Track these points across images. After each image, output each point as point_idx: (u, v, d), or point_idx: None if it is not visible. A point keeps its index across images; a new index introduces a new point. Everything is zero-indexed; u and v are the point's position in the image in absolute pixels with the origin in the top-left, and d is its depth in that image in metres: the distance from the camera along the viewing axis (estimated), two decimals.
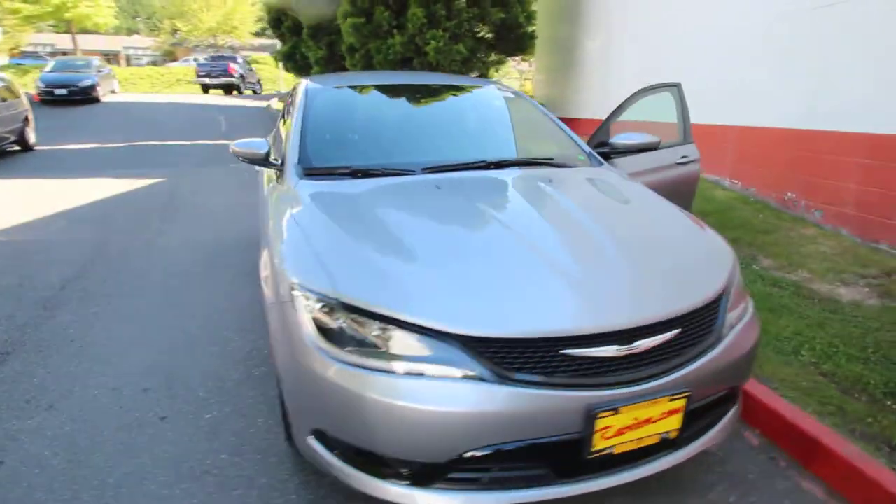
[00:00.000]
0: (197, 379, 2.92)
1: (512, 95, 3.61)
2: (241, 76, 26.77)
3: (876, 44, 4.82)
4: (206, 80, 25.90)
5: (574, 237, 2.08)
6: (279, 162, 2.71)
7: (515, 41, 11.66)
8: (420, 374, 1.60)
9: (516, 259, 1.94)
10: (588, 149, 3.06)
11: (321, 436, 1.79)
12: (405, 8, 10.63)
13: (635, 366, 1.66)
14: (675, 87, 3.93)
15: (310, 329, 1.72)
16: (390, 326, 1.63)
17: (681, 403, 1.70)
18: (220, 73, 25.91)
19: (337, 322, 1.68)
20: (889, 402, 2.65)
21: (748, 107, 6.50)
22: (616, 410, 1.62)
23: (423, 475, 1.65)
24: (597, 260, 1.92)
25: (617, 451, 1.67)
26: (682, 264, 1.98)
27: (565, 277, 1.83)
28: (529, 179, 2.63)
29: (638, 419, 1.65)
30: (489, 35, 11.11)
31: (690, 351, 1.75)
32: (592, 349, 1.62)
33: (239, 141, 2.81)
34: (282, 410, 2.06)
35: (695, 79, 5.90)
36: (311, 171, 2.57)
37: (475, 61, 11.32)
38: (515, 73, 16.14)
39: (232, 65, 26.31)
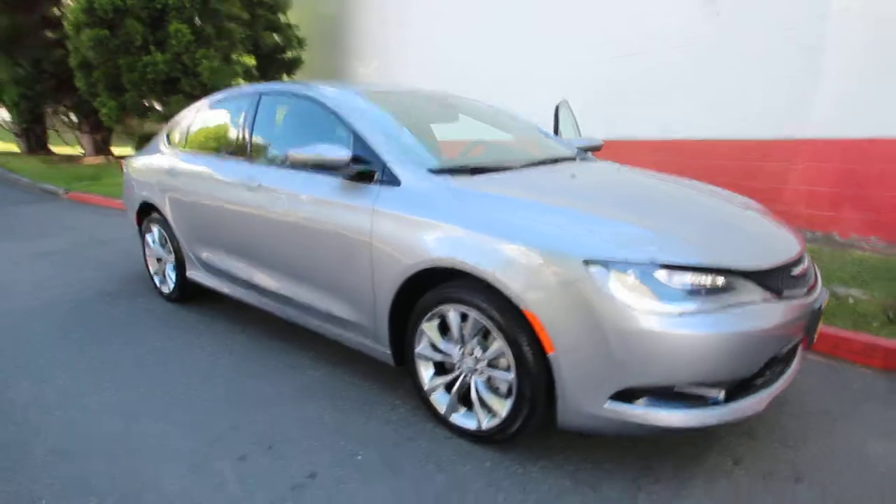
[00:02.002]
0: None
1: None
2: None
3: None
4: None
5: (707, 198, 2.49)
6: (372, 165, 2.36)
7: (286, 65, 11.42)
8: (737, 305, 1.81)
9: (707, 214, 2.24)
10: (577, 148, 3.48)
11: (621, 395, 1.79)
12: (162, 22, 9.34)
13: (805, 282, 2.18)
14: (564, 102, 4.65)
15: (626, 295, 1.73)
16: (703, 274, 1.79)
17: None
18: None
19: (654, 281, 1.75)
20: None
21: None
22: (822, 311, 2.12)
23: (734, 391, 1.85)
24: (746, 213, 2.37)
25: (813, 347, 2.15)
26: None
27: (750, 224, 2.26)
28: (608, 165, 2.96)
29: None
30: (252, 60, 10.57)
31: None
32: (797, 269, 2.09)
33: (306, 147, 2.36)
34: (520, 402, 1.93)
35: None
36: (437, 171, 2.32)
37: (250, 81, 10.66)
38: None
39: None
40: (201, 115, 3.57)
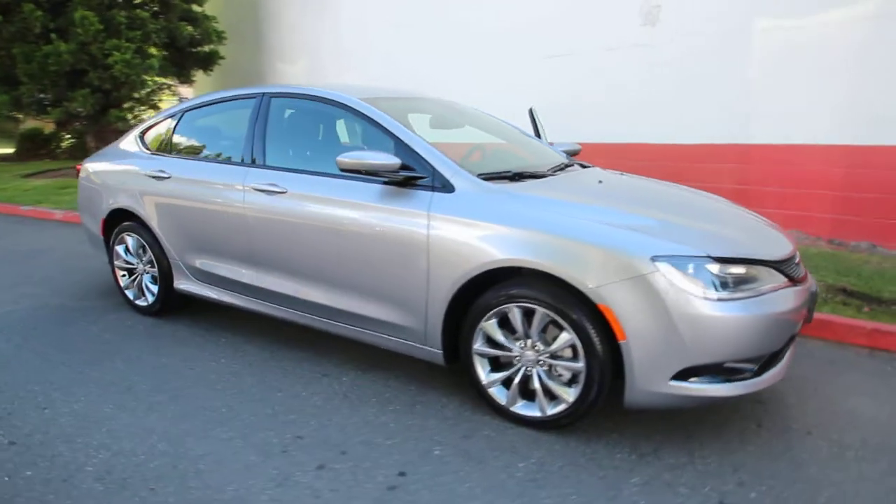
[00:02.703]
0: None
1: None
2: None
3: None
4: None
5: (716, 202, 2.81)
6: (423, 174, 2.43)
7: (201, 60, 10.77)
8: (769, 291, 2.11)
9: (726, 216, 2.58)
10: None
11: (681, 374, 2.03)
12: (64, 8, 8.46)
13: (802, 270, 2.53)
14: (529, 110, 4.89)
15: (687, 285, 1.97)
16: (744, 265, 2.08)
17: None
18: None
19: (707, 273, 2.01)
20: None
21: None
22: (817, 294, 2.52)
23: (764, 365, 2.16)
24: (748, 214, 2.71)
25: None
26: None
27: (755, 222, 2.60)
28: (611, 172, 3.19)
29: None
30: (164, 52, 9.85)
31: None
32: (796, 259, 2.46)
33: (350, 153, 2.38)
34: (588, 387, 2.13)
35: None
36: (486, 177, 2.44)
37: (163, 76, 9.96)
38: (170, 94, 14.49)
39: None
40: (189, 119, 3.38)
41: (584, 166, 3.27)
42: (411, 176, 2.43)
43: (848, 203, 4.89)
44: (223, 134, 3.22)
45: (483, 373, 2.38)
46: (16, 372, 2.82)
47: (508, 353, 2.32)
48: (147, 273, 3.53)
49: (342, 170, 2.45)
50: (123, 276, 3.67)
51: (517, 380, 2.31)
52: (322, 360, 2.94)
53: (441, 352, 2.46)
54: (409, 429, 2.32)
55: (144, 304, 3.57)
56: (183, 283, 3.35)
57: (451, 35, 7.45)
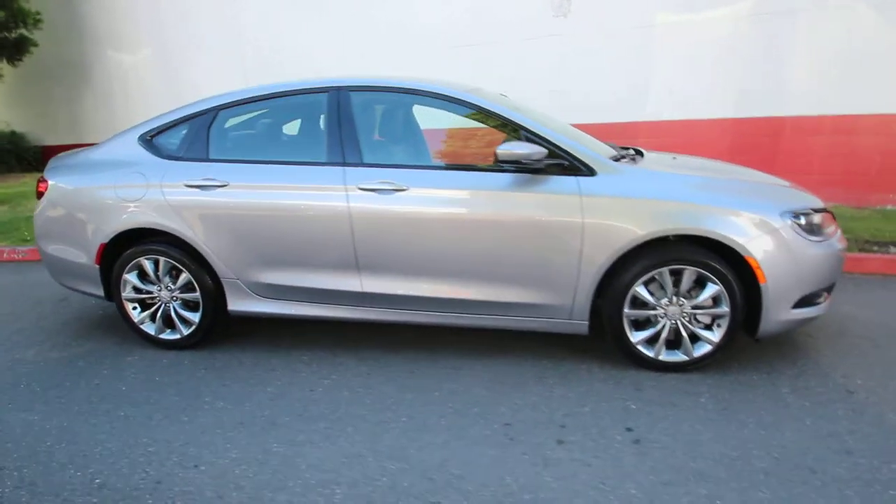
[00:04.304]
0: None
1: None
2: None
3: None
4: None
5: (749, 169, 3.31)
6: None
7: (9, 47, 8.77)
8: (835, 232, 2.71)
9: (775, 180, 3.00)
10: None
11: (799, 302, 2.58)
12: None
13: None
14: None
15: (803, 232, 2.51)
16: (824, 213, 2.66)
17: None
18: None
19: (810, 222, 2.56)
20: None
21: None
22: None
23: (828, 290, 2.81)
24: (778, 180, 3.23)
25: None
26: None
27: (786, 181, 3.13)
28: (660, 153, 3.47)
29: None
30: None
31: None
32: None
33: (505, 145, 2.44)
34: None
35: None
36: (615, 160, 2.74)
37: None
38: None
39: None
40: (226, 118, 2.97)
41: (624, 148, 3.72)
42: (555, 163, 2.58)
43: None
44: (283, 133, 2.92)
45: (632, 334, 2.68)
46: (117, 438, 2.29)
47: (652, 312, 2.65)
48: (176, 300, 3.04)
49: (500, 161, 2.49)
50: (135, 308, 3.10)
51: (664, 334, 2.66)
52: (451, 354, 2.95)
53: (587, 322, 2.69)
54: (589, 395, 2.52)
55: (175, 336, 3.07)
56: (240, 304, 2.98)
57: (361, 24, 7.29)
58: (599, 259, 2.56)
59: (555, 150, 2.60)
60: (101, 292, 3.14)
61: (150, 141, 3.05)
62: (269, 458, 2.13)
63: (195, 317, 3.02)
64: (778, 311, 2.57)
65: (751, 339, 2.73)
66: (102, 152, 3.13)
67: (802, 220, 2.56)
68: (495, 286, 2.71)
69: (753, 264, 2.50)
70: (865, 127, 5.42)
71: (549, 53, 6.51)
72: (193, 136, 2.99)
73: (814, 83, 5.52)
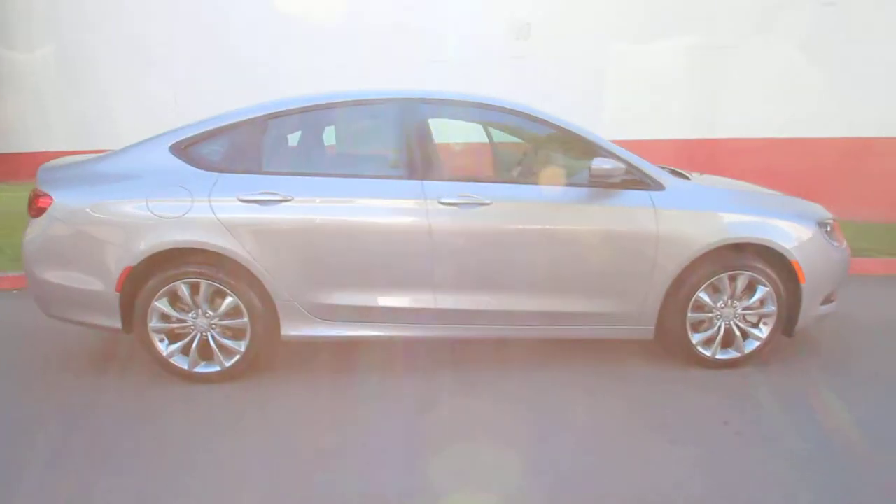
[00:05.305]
0: None
1: None
2: None
3: None
4: None
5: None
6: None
7: None
8: (842, 238, 3.09)
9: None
10: None
11: (824, 300, 2.94)
12: None
13: None
14: None
15: (830, 238, 2.89)
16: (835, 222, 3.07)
17: None
18: None
19: (832, 229, 2.95)
20: None
21: None
22: None
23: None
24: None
25: None
26: None
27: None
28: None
29: None
30: None
31: None
32: None
33: (597, 160, 2.63)
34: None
35: None
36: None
37: None
38: None
39: None
40: (279, 128, 2.76)
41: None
42: (629, 178, 2.73)
43: None
44: (347, 145, 2.77)
45: (695, 337, 2.87)
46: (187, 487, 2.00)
47: (712, 314, 2.86)
48: (215, 328, 2.74)
49: (594, 176, 2.58)
50: (162, 340, 2.74)
51: (720, 334, 2.89)
52: (522, 364, 2.96)
53: (653, 328, 2.85)
54: (670, 395, 2.66)
55: (215, 369, 2.76)
56: (297, 328, 2.76)
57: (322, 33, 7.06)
58: (670, 267, 2.74)
59: (630, 167, 2.75)
60: (117, 324, 2.73)
61: (185, 150, 2.73)
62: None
63: (240, 346, 2.74)
64: (811, 308, 2.92)
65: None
66: (122, 163, 2.75)
67: (828, 228, 2.95)
68: (569, 297, 2.78)
69: (797, 267, 2.82)
70: (789, 150, 6.32)
71: (507, 73, 6.78)
72: (241, 146, 2.73)
73: (747, 109, 6.33)
